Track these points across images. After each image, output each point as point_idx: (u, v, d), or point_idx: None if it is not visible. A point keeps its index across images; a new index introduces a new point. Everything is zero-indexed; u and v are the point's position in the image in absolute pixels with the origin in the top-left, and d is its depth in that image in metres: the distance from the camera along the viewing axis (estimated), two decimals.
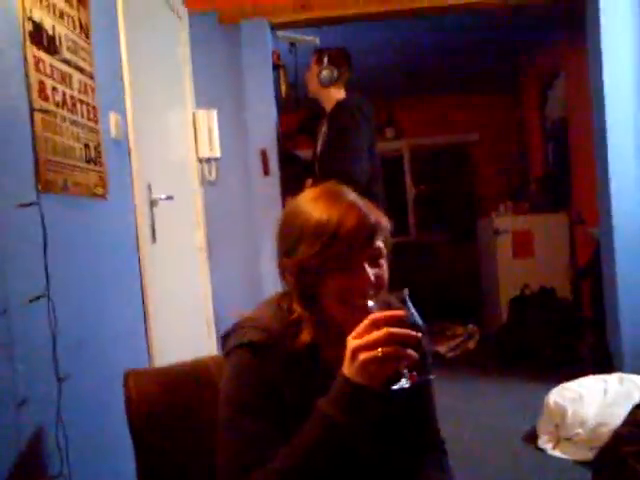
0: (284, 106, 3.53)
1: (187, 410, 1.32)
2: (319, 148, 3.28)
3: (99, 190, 1.95)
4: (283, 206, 3.32)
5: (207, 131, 3.19)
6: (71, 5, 1.85)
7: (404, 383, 0.90)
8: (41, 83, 1.63)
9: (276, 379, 0.99)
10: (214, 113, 3.20)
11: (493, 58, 4.78)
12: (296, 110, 3.58)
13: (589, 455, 2.31)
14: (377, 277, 1.00)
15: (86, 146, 1.87)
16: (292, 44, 3.39)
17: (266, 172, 3.22)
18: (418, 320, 0.95)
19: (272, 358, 1.00)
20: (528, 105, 5.33)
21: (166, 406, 1.31)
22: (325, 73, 3.18)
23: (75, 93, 1.83)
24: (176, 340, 2.71)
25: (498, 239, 4.58)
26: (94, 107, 1.96)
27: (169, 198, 2.52)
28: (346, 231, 0.98)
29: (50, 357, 1.32)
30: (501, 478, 2.36)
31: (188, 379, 1.37)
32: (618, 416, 2.26)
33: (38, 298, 1.30)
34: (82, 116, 1.86)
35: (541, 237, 4.56)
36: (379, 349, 0.86)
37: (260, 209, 3.24)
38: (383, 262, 1.04)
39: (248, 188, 3.25)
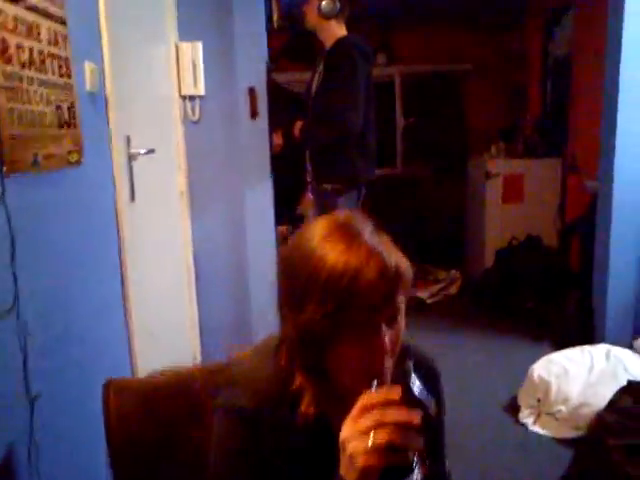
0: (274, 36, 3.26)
1: (171, 435, 1.23)
2: (314, 87, 3.07)
3: (74, 156, 1.75)
4: (270, 148, 3.12)
5: (191, 66, 2.93)
6: None
7: (415, 477, 0.74)
8: (3, 42, 1.40)
9: (271, 454, 0.87)
10: (199, 46, 2.92)
11: None
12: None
13: (571, 434, 2.33)
14: (392, 342, 0.85)
15: (58, 108, 1.66)
16: None
17: (254, 114, 2.99)
18: (424, 396, 0.79)
19: (266, 429, 0.87)
20: (531, 38, 5.02)
21: (149, 430, 1.22)
22: (326, 3, 2.91)
23: (44, 46, 1.60)
24: (156, 292, 2.61)
25: (488, 182, 4.45)
26: (67, 59, 1.73)
27: (150, 152, 2.32)
28: (365, 286, 0.81)
29: (21, 372, 1.20)
30: (481, 451, 2.38)
31: (174, 399, 1.27)
32: (602, 396, 2.26)
33: (7, 312, 1.16)
34: (53, 73, 1.64)
35: (532, 182, 4.45)
36: (370, 438, 0.73)
37: (246, 152, 3.04)
38: (401, 320, 0.88)
39: (234, 129, 3.02)
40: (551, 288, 3.79)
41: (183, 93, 2.95)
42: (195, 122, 3.01)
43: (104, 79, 2.02)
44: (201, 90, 2.97)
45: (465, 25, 5.38)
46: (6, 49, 1.41)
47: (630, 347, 2.84)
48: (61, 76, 1.69)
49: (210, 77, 2.96)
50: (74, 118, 1.76)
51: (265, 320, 3.17)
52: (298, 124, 3.12)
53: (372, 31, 5.54)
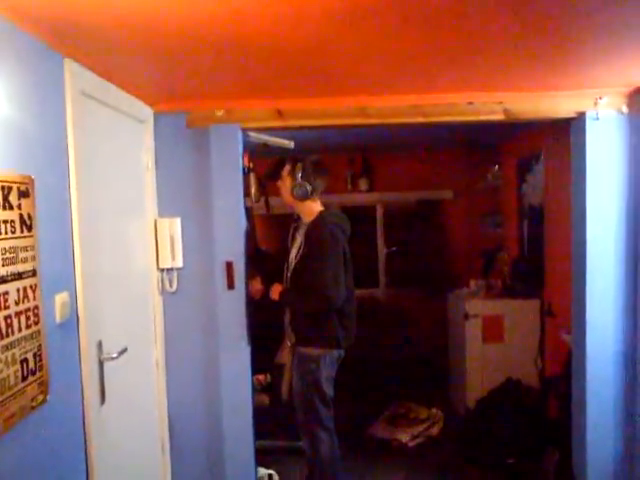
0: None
1: None
2: (293, 257, 3.14)
3: (38, 399, 1.77)
4: (247, 317, 3.13)
5: (169, 240, 3.01)
6: (10, 207, 1.65)
7: None
8: None
9: None
10: (177, 221, 3.02)
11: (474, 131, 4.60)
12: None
13: None
14: None
15: (24, 362, 1.69)
16: (265, 145, 3.20)
17: (230, 286, 3.04)
18: None
19: None
20: (507, 177, 5.18)
21: None
22: (298, 190, 3.04)
23: (12, 309, 1.64)
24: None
25: (468, 322, 4.49)
26: (36, 307, 1.77)
27: (122, 352, 2.34)
28: None
29: None
30: None
31: None
32: None
33: None
34: (20, 329, 1.68)
35: (512, 323, 4.48)
36: None
37: (223, 322, 3.07)
38: None
39: (211, 300, 3.07)
40: (531, 441, 3.75)
41: (161, 266, 3.02)
42: (173, 293, 3.06)
43: (76, 301, 2.06)
44: (179, 263, 3.04)
45: (446, 154, 5.59)
46: None
47: None
48: (28, 327, 1.72)
49: (189, 249, 3.05)
50: (40, 360, 1.79)
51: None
52: (277, 287, 3.18)
53: (354, 157, 5.75)
